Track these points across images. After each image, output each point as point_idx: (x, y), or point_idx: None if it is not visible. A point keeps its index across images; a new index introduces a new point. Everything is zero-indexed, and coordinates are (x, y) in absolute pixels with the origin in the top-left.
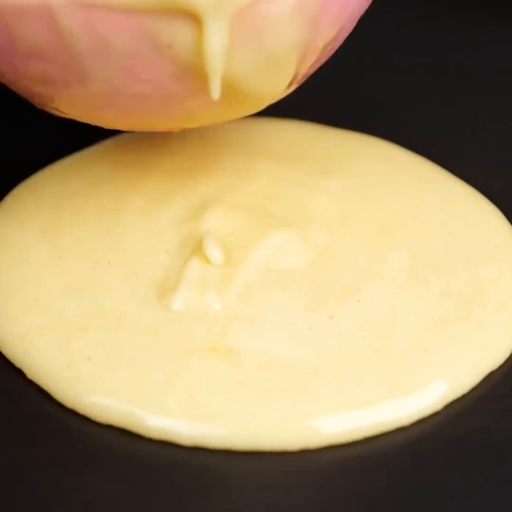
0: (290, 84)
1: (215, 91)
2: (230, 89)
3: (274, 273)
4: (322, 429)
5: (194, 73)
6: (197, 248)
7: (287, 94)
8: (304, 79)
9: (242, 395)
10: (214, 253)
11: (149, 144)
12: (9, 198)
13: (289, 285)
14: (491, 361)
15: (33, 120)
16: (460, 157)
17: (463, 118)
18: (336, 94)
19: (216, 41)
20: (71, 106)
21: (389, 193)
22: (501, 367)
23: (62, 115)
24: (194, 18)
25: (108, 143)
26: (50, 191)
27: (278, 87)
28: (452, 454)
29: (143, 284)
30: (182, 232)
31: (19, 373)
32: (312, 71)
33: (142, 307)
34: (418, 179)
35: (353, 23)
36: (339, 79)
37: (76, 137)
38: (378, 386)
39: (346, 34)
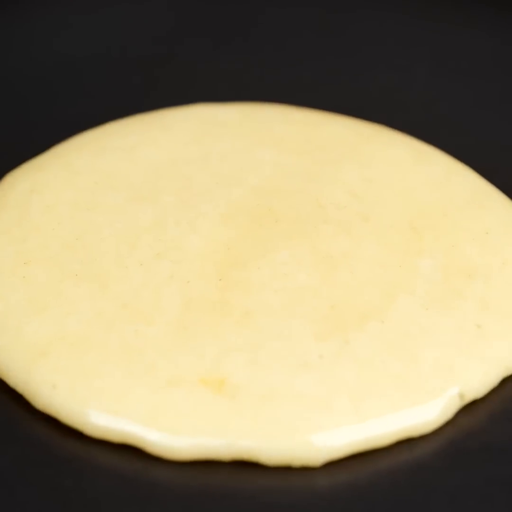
0: None
1: None
2: None
3: (281, 294)
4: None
5: None
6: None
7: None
8: None
9: (235, 429)
10: None
11: (134, 132)
12: None
13: (299, 308)
14: (509, 370)
15: (14, 114)
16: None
17: (465, 112)
18: (338, 85)
19: None
20: None
21: (413, 185)
22: None
23: None
24: None
25: (91, 132)
26: (22, 186)
27: None
28: (452, 454)
29: (110, 303)
30: (163, 239)
31: None
32: None
33: (110, 331)
34: (442, 170)
35: None
36: (340, 71)
37: (59, 129)
38: (398, 417)
39: None
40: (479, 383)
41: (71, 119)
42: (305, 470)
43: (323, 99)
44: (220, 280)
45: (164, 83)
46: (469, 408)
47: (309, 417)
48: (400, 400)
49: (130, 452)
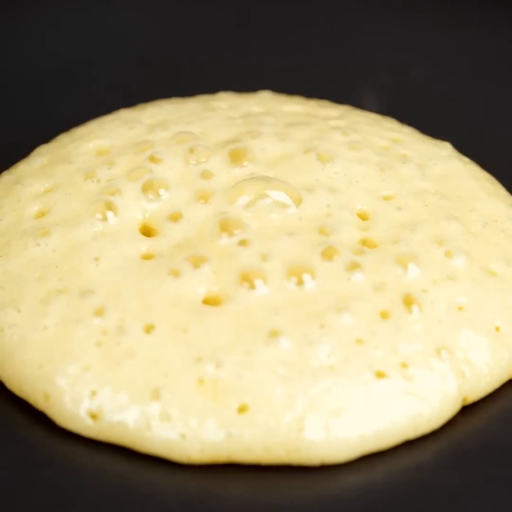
0: None
1: None
2: None
3: (283, 289)
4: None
5: None
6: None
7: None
8: None
9: (233, 434)
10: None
11: (129, 111)
12: None
13: (304, 304)
14: None
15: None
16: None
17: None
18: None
19: None
20: None
21: (426, 161)
22: None
23: None
24: None
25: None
26: (6, 178)
27: None
28: (452, 454)
29: (75, 296)
30: (150, 222)
31: None
32: None
33: (89, 334)
34: (452, 155)
35: None
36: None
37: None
38: (400, 420)
39: None
40: (484, 386)
41: (68, 120)
42: (305, 470)
43: (323, 96)
44: (214, 272)
45: (162, 82)
46: (469, 408)
47: (309, 419)
48: (405, 403)
49: (130, 452)
